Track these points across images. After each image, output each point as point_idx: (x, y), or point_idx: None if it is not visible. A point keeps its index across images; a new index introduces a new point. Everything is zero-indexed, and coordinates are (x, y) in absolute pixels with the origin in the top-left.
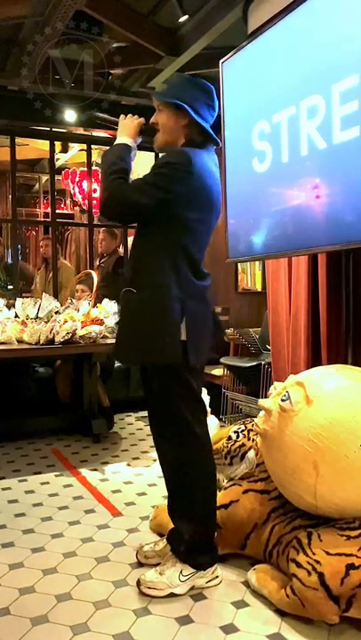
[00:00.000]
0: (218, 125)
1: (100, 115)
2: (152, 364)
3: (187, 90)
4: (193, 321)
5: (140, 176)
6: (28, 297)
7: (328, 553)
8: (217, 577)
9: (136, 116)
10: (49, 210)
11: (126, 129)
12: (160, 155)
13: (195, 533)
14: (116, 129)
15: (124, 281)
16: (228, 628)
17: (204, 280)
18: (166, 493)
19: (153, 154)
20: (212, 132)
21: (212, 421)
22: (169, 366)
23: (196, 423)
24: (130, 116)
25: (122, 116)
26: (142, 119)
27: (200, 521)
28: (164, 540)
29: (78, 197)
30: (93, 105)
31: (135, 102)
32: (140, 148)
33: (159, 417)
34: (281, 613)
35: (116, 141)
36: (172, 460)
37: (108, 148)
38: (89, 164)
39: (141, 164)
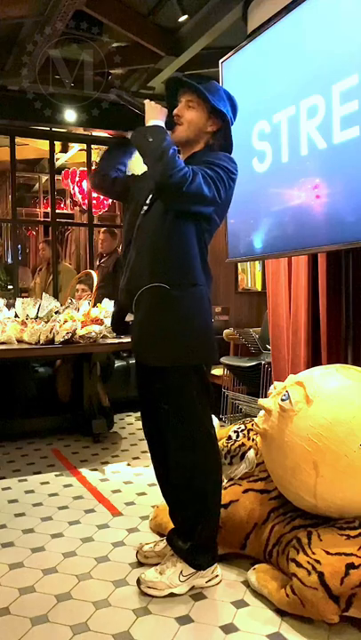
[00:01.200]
0: None
1: (123, 93)
2: (186, 365)
3: (225, 100)
4: (210, 320)
5: (146, 170)
6: (26, 297)
7: (328, 552)
8: (217, 577)
9: (162, 107)
10: (49, 210)
11: (154, 113)
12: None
13: (195, 533)
14: (137, 112)
15: (145, 272)
16: (228, 628)
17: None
18: (169, 494)
19: None
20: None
21: (213, 421)
22: (195, 367)
23: (208, 423)
24: (154, 103)
25: (147, 100)
26: (166, 110)
27: (204, 520)
28: (164, 540)
29: (78, 197)
30: (93, 105)
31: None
32: None
33: (172, 418)
34: (281, 613)
35: (151, 123)
36: (183, 462)
37: (137, 130)
38: (89, 163)
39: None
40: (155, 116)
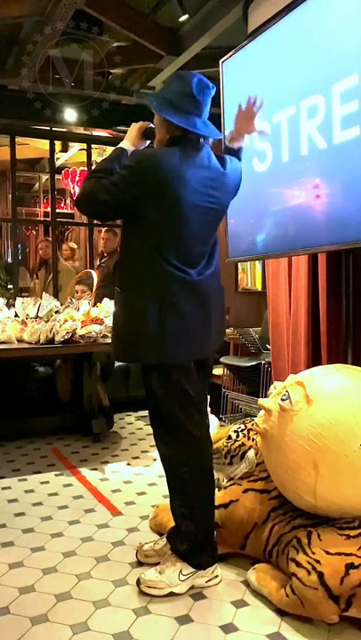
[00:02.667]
0: (218, 120)
1: (121, 127)
2: (133, 362)
3: (168, 84)
4: (176, 319)
5: None
6: (26, 296)
7: (328, 552)
8: (217, 576)
9: (142, 122)
10: (49, 209)
11: (129, 135)
12: None
13: (194, 532)
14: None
15: (117, 280)
16: (228, 628)
17: (190, 276)
18: (166, 492)
19: None
20: (192, 122)
21: (212, 421)
22: (159, 366)
23: (190, 424)
24: (140, 122)
25: (133, 123)
26: (146, 123)
27: (199, 520)
28: (164, 538)
29: None
30: (93, 104)
31: (135, 102)
32: None
33: (155, 416)
34: (281, 613)
35: (118, 145)
36: (169, 458)
37: (111, 147)
38: (89, 163)
39: None
40: (125, 138)
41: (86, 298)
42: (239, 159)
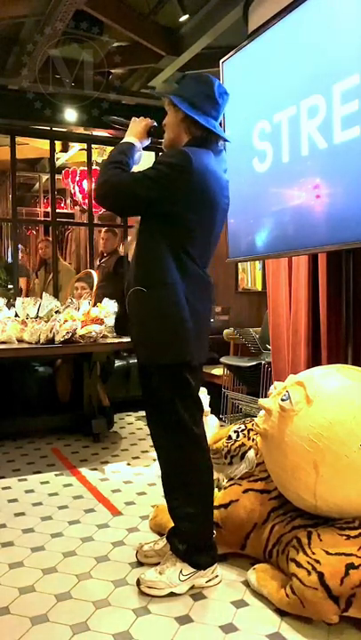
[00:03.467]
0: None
1: (114, 117)
2: (166, 364)
3: (186, 84)
4: (196, 319)
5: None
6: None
7: (328, 552)
8: (217, 576)
9: (146, 118)
10: (49, 209)
11: (134, 129)
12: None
13: (194, 532)
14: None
15: (132, 279)
16: (228, 628)
17: (207, 279)
18: (164, 493)
19: (153, 153)
20: (212, 124)
21: (212, 421)
22: (171, 365)
23: (192, 422)
24: (141, 117)
25: (133, 118)
26: (151, 120)
27: (198, 520)
28: (164, 538)
29: (78, 197)
30: (94, 104)
31: (135, 102)
32: (146, 148)
33: (157, 415)
34: (281, 613)
35: (122, 141)
36: (168, 457)
37: (111, 147)
38: (89, 163)
39: (143, 167)
40: (129, 132)
41: (86, 297)
42: None
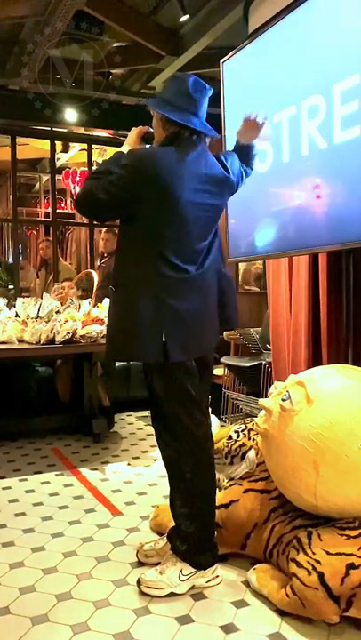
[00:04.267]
0: (219, 122)
1: (121, 132)
2: (127, 361)
3: (165, 87)
4: (173, 317)
5: None
6: (27, 297)
7: (328, 552)
8: (217, 576)
9: (141, 126)
10: (49, 209)
11: (129, 138)
12: None
13: (194, 532)
14: None
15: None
16: (229, 628)
17: (189, 274)
18: (166, 492)
19: None
20: (186, 119)
21: (213, 421)
22: (160, 365)
23: (192, 423)
24: (140, 127)
25: (133, 128)
26: (145, 127)
27: (199, 520)
28: (165, 538)
29: None
30: (94, 105)
31: (136, 102)
32: None
33: (158, 414)
34: (281, 613)
35: (120, 148)
36: (170, 458)
37: (111, 147)
38: (89, 163)
39: None
40: (125, 142)
41: (73, 294)
42: (250, 155)
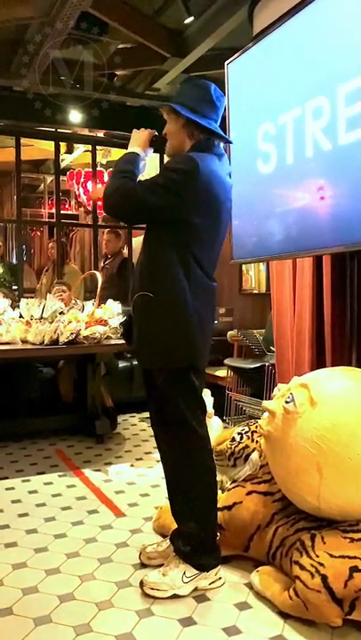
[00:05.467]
0: (223, 125)
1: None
2: (173, 368)
3: (183, 90)
4: (201, 324)
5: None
6: (31, 297)
7: (332, 555)
8: (220, 578)
9: (147, 129)
10: (54, 210)
11: (137, 140)
12: (166, 160)
13: (197, 534)
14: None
15: (138, 284)
16: (231, 630)
17: (213, 282)
18: (168, 494)
19: (157, 155)
20: (213, 126)
21: (216, 422)
22: (173, 369)
23: (197, 423)
24: (142, 129)
25: (134, 129)
26: (152, 130)
27: (201, 521)
28: (168, 540)
29: (83, 198)
30: (98, 106)
31: (140, 103)
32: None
33: (161, 416)
34: (284, 615)
35: (127, 151)
36: (172, 458)
37: (115, 149)
38: (94, 164)
39: (146, 175)
40: (132, 143)
41: (64, 299)
42: None
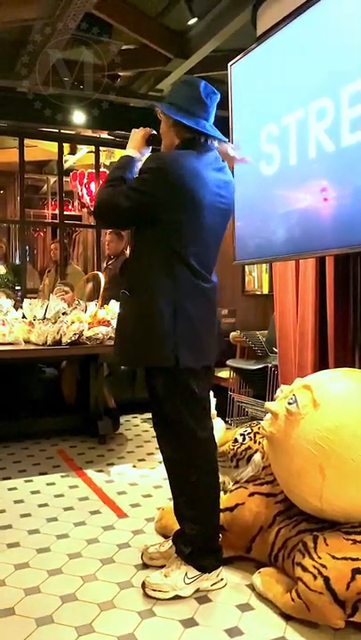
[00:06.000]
0: (226, 125)
1: (118, 132)
2: (145, 366)
3: (175, 90)
4: (187, 323)
5: None
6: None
7: (334, 557)
8: (222, 580)
9: (145, 128)
10: (57, 211)
11: (133, 141)
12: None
13: (199, 535)
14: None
15: (123, 283)
16: (233, 631)
17: (206, 281)
18: (171, 495)
19: None
20: (202, 125)
21: (218, 423)
22: (167, 369)
23: (197, 426)
24: (141, 128)
25: (133, 129)
26: (149, 129)
27: (203, 522)
28: (170, 541)
29: (86, 199)
30: (101, 107)
31: (143, 104)
32: None
33: (161, 417)
34: (286, 617)
35: (123, 154)
36: (174, 461)
37: (118, 150)
38: (97, 165)
39: None
40: (129, 145)
41: (66, 299)
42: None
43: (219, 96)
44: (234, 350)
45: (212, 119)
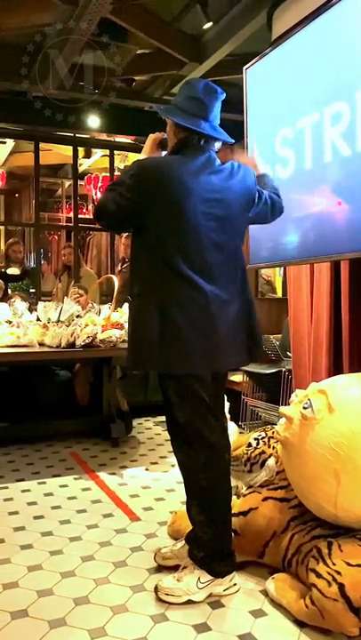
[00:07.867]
0: (241, 127)
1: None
2: (140, 371)
3: (179, 92)
4: (175, 330)
5: None
6: (48, 301)
7: (349, 564)
8: (235, 585)
9: (156, 132)
10: (71, 215)
11: (145, 146)
12: None
13: (212, 539)
14: None
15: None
16: (246, 637)
17: (198, 288)
18: (184, 499)
19: None
20: (197, 124)
21: (231, 427)
22: (171, 374)
23: (207, 430)
24: (156, 133)
25: (150, 135)
26: (160, 134)
27: (216, 527)
28: (183, 540)
29: None
30: (116, 111)
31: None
32: None
33: (172, 423)
34: (300, 624)
35: (136, 158)
36: (186, 465)
37: (132, 153)
38: (111, 169)
39: None
40: (144, 149)
41: (80, 302)
42: (264, 183)
43: (223, 95)
44: None
45: (213, 118)
